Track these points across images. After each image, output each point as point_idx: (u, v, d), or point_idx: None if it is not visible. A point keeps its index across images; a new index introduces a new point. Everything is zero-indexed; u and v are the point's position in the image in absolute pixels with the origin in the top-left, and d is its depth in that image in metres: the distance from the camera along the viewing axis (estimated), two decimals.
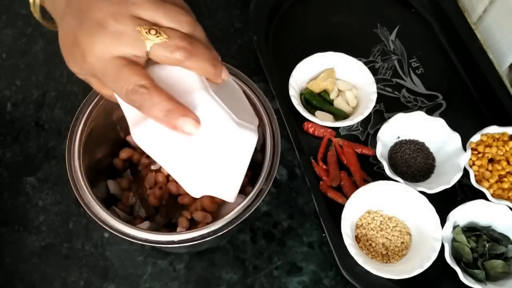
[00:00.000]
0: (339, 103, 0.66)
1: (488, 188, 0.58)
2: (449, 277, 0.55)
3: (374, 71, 0.68)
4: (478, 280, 0.54)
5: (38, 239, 0.58)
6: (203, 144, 0.40)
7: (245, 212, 0.46)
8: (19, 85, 0.67)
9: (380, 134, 0.61)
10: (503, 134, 0.61)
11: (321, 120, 0.63)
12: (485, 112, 0.67)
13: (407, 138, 0.63)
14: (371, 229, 0.57)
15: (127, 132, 0.58)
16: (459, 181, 0.59)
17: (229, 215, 0.46)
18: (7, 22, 0.72)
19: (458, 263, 0.55)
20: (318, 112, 0.65)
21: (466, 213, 0.57)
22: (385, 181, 0.58)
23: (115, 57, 0.35)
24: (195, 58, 0.37)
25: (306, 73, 0.66)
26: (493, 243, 0.55)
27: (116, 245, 0.58)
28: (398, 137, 0.64)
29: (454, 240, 0.56)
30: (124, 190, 0.56)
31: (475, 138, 0.61)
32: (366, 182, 0.60)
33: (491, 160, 0.61)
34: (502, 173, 0.59)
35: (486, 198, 0.58)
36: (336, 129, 0.65)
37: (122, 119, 0.56)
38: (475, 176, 0.59)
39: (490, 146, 0.60)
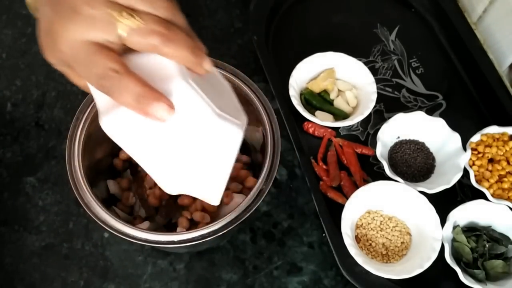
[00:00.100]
0: (339, 103, 0.66)
1: (488, 188, 0.58)
2: (449, 277, 0.55)
3: (374, 71, 0.68)
4: (478, 280, 0.54)
5: (38, 239, 0.58)
6: (179, 136, 0.37)
7: (245, 212, 0.46)
8: (19, 85, 0.67)
9: (380, 134, 0.61)
10: (503, 134, 0.61)
11: (321, 120, 0.63)
12: (485, 112, 0.67)
13: (407, 138, 0.63)
14: (371, 229, 0.57)
15: None
16: (459, 181, 0.59)
17: (229, 215, 0.46)
18: (7, 22, 0.72)
19: (458, 263, 0.55)
20: (318, 112, 0.65)
21: (466, 213, 0.57)
22: (385, 181, 0.58)
23: (87, 43, 0.34)
24: (173, 44, 0.35)
25: (306, 73, 0.66)
26: (493, 243, 0.55)
27: (116, 245, 0.58)
28: (398, 137, 0.64)
29: (454, 240, 0.56)
30: (124, 190, 0.56)
31: (475, 138, 0.61)
32: (366, 182, 0.60)
33: (491, 160, 0.61)
34: (502, 173, 0.59)
35: (486, 198, 0.58)
36: (336, 129, 0.65)
37: None
38: (475, 176, 0.59)
39: (490, 146, 0.60)
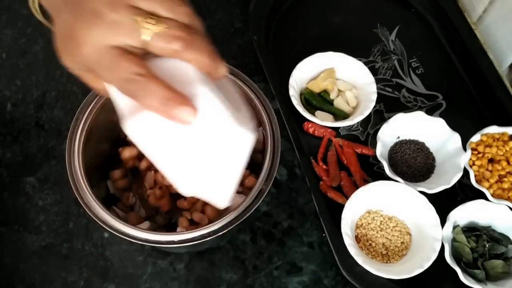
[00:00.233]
0: (339, 103, 0.66)
1: (488, 188, 0.58)
2: (449, 277, 0.55)
3: (374, 71, 0.68)
4: (478, 280, 0.54)
5: (38, 239, 0.58)
6: (198, 139, 0.38)
7: (245, 212, 0.46)
8: (19, 85, 0.67)
9: (380, 134, 0.61)
10: (503, 134, 0.61)
11: (321, 120, 0.63)
12: (485, 112, 0.67)
13: (407, 138, 0.63)
14: (371, 229, 0.57)
15: None
16: (459, 181, 0.59)
17: (229, 215, 0.46)
18: (7, 22, 0.72)
19: (458, 263, 0.55)
20: (318, 112, 0.65)
21: (466, 213, 0.57)
22: (385, 181, 0.58)
23: (111, 47, 0.35)
24: (194, 49, 0.36)
25: (306, 73, 0.66)
26: (493, 243, 0.55)
27: (116, 245, 0.58)
28: (398, 137, 0.64)
29: (454, 240, 0.56)
30: (124, 190, 0.56)
31: (475, 138, 0.61)
32: (366, 182, 0.60)
33: (491, 160, 0.61)
34: (502, 173, 0.59)
35: (486, 198, 0.58)
36: (336, 129, 0.65)
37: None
38: (475, 176, 0.59)
39: (490, 146, 0.60)
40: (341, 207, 0.56)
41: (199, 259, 0.57)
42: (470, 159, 0.60)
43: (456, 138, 0.60)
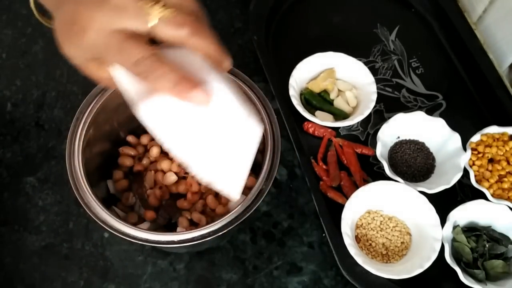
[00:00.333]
0: (339, 103, 0.66)
1: (488, 188, 0.58)
2: (449, 277, 0.55)
3: (374, 71, 0.68)
4: (478, 280, 0.54)
5: (38, 239, 0.58)
6: (211, 125, 0.38)
7: (245, 212, 0.46)
8: (19, 85, 0.67)
9: (380, 134, 0.61)
10: (503, 134, 0.61)
11: (321, 120, 0.63)
12: (485, 112, 0.67)
13: (407, 138, 0.63)
14: (371, 229, 0.57)
15: (127, 132, 0.58)
16: (459, 181, 0.59)
17: (229, 215, 0.46)
18: (7, 22, 0.72)
19: (458, 263, 0.55)
20: (318, 112, 0.65)
21: (466, 213, 0.57)
22: (385, 181, 0.58)
23: (118, 31, 0.34)
24: (200, 36, 0.35)
25: (306, 73, 0.66)
26: (493, 243, 0.55)
27: (116, 245, 0.58)
28: (398, 137, 0.64)
29: (454, 240, 0.56)
30: (124, 190, 0.56)
31: (475, 138, 0.61)
32: (366, 182, 0.60)
33: (491, 160, 0.61)
34: (502, 173, 0.59)
35: (486, 198, 0.58)
36: (336, 129, 0.65)
37: (122, 120, 0.57)
38: (475, 176, 0.59)
39: (490, 146, 0.60)
40: (341, 207, 0.56)
41: (199, 259, 0.57)
42: (470, 159, 0.60)
43: (456, 138, 0.60)
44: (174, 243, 0.45)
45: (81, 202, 0.47)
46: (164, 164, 0.55)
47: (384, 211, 0.58)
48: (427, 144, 0.63)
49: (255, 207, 0.46)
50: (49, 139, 0.64)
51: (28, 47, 0.70)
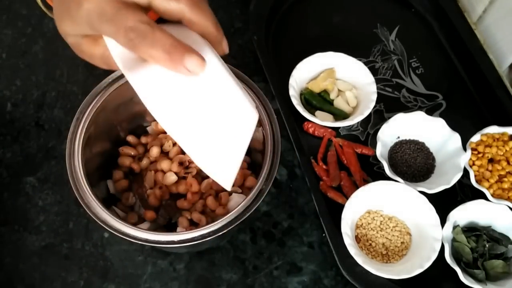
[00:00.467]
0: (339, 103, 0.66)
1: (488, 188, 0.58)
2: (449, 277, 0.55)
3: (374, 71, 0.68)
4: (478, 280, 0.54)
5: (38, 239, 0.58)
6: (204, 102, 0.36)
7: (245, 212, 0.46)
8: (19, 85, 0.67)
9: (380, 134, 0.61)
10: (503, 134, 0.61)
11: (321, 120, 0.63)
12: (485, 112, 0.67)
13: (407, 138, 0.63)
14: (371, 229, 0.57)
15: (127, 132, 0.58)
16: (459, 181, 0.59)
17: (229, 215, 0.46)
18: (7, 22, 0.72)
19: (458, 263, 0.55)
20: (318, 112, 0.65)
21: (466, 213, 0.57)
22: (385, 181, 0.58)
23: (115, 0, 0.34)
24: (199, 11, 0.35)
25: (306, 73, 0.66)
26: (493, 243, 0.55)
27: (116, 245, 0.58)
28: (398, 137, 0.64)
29: (454, 240, 0.56)
30: (124, 190, 0.56)
31: (475, 138, 0.61)
32: (366, 182, 0.60)
33: (491, 160, 0.61)
34: (502, 173, 0.59)
35: (486, 198, 0.58)
36: (336, 129, 0.65)
37: (122, 119, 0.57)
38: (475, 176, 0.59)
39: (490, 146, 0.60)
40: (341, 207, 0.56)
41: (199, 259, 0.57)
42: (470, 159, 0.60)
43: (456, 138, 0.60)
44: (174, 243, 0.45)
45: (81, 202, 0.47)
46: (164, 164, 0.55)
47: (384, 211, 0.58)
48: (427, 144, 0.63)
49: (255, 207, 0.46)
50: (49, 139, 0.64)
51: (28, 47, 0.70)
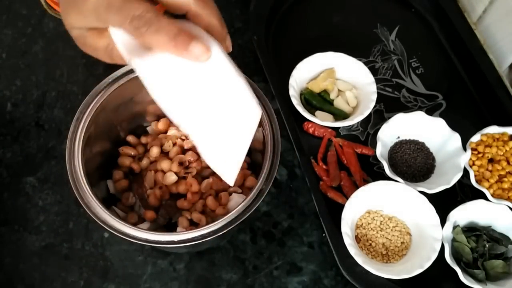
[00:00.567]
0: (339, 103, 0.66)
1: (488, 188, 0.58)
2: (449, 277, 0.55)
3: (374, 71, 0.68)
4: (478, 280, 0.54)
5: (38, 239, 0.58)
6: (210, 93, 0.37)
7: (245, 212, 0.46)
8: (19, 85, 0.67)
9: (380, 134, 0.61)
10: (503, 134, 0.61)
11: (321, 120, 0.63)
12: (485, 112, 0.67)
13: (407, 138, 0.63)
14: (371, 229, 0.57)
15: (127, 132, 0.58)
16: (459, 181, 0.59)
17: (229, 215, 0.46)
18: (7, 22, 0.72)
19: (458, 263, 0.55)
20: (318, 112, 0.65)
21: (466, 213, 0.57)
22: (385, 181, 0.58)
23: None
24: (205, 5, 0.35)
25: (306, 73, 0.66)
26: (493, 243, 0.55)
27: (116, 245, 0.58)
28: (398, 137, 0.64)
29: (454, 240, 0.56)
30: (124, 190, 0.56)
31: (475, 138, 0.61)
32: (366, 182, 0.60)
33: (491, 160, 0.61)
34: (502, 173, 0.59)
35: (486, 198, 0.58)
36: (336, 129, 0.65)
37: (122, 119, 0.57)
38: (475, 176, 0.59)
39: (490, 146, 0.60)
40: (341, 207, 0.56)
41: (199, 259, 0.57)
42: (470, 159, 0.60)
43: (456, 138, 0.60)
44: (174, 243, 0.45)
45: (81, 202, 0.47)
46: (164, 164, 0.55)
47: (384, 211, 0.58)
48: (427, 144, 0.63)
49: (255, 207, 0.46)
50: (49, 139, 0.64)
51: (28, 47, 0.70)
